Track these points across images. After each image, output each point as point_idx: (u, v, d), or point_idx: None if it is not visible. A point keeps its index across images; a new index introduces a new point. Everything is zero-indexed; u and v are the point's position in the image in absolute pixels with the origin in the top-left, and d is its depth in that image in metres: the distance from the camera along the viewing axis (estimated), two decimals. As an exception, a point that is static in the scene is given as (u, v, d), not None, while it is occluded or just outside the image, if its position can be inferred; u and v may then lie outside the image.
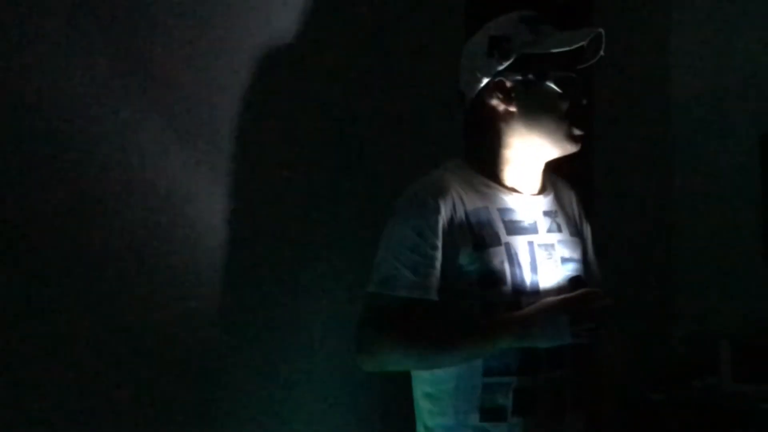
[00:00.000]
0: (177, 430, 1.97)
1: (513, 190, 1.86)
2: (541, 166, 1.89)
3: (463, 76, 1.89)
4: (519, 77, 1.82)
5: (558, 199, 1.92)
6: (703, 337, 2.91)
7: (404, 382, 1.96)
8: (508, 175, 1.87)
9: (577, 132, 1.82)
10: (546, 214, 1.88)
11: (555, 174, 2.01)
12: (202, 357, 2.01)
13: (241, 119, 2.08)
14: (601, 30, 1.81)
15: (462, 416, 1.80)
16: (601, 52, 1.83)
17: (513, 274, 1.78)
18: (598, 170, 2.81)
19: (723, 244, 3.02)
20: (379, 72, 2.32)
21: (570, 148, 1.84)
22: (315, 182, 2.20)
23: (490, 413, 1.78)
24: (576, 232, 1.93)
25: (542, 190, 1.90)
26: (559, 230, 1.88)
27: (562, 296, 1.75)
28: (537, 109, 1.83)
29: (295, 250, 2.16)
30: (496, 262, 1.78)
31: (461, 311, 1.80)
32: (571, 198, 1.98)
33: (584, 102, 1.82)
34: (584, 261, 1.93)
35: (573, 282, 1.80)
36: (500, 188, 1.85)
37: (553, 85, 1.80)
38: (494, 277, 1.77)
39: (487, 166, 1.87)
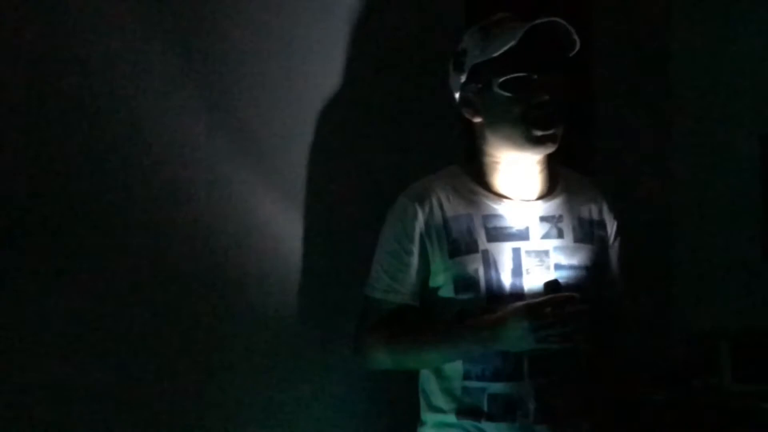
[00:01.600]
0: (176, 431, 1.97)
1: (503, 196, 1.86)
2: (533, 170, 1.86)
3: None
4: (474, 88, 1.83)
5: (569, 203, 1.88)
6: (703, 337, 2.90)
7: (404, 381, 1.97)
8: (499, 182, 1.87)
9: (537, 133, 1.78)
10: (543, 219, 1.85)
11: (582, 174, 1.98)
12: (202, 357, 2.01)
13: (255, 121, 2.09)
14: (545, 20, 1.75)
15: (442, 415, 1.86)
16: (574, 37, 1.77)
17: (488, 281, 1.79)
18: (598, 170, 2.81)
19: (723, 243, 3.02)
20: (379, 72, 2.32)
21: (533, 151, 1.82)
22: (315, 182, 2.20)
23: (468, 415, 1.81)
24: (585, 238, 1.88)
25: (543, 195, 1.89)
26: (559, 236, 1.85)
27: (526, 301, 1.74)
28: (494, 117, 1.82)
29: (294, 250, 2.16)
30: (470, 269, 1.79)
31: (437, 316, 1.83)
32: (593, 200, 1.93)
33: (543, 99, 1.77)
34: (594, 266, 1.89)
35: (548, 286, 1.76)
36: (489, 195, 1.85)
37: (500, 91, 1.78)
38: (466, 284, 1.79)
39: (477, 173, 1.88)
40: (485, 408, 1.79)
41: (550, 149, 1.83)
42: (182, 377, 1.97)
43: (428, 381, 1.89)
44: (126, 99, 1.87)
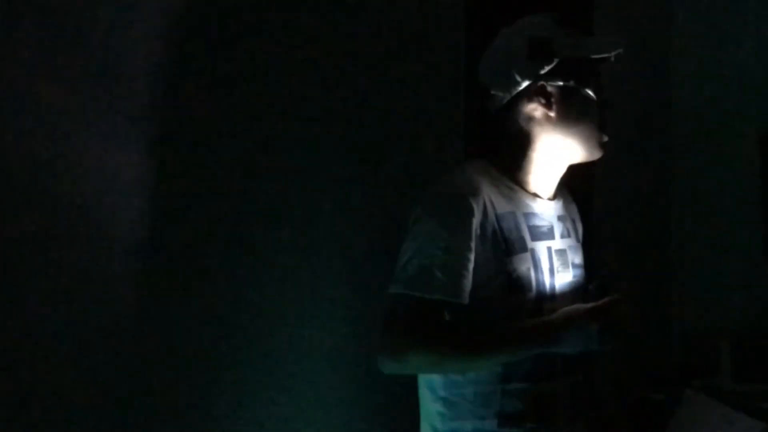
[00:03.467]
0: (177, 431, 1.97)
1: (534, 194, 1.84)
2: (563, 171, 1.87)
3: (493, 77, 1.82)
4: (560, 82, 1.77)
5: (564, 204, 1.92)
6: (703, 337, 2.90)
7: (404, 382, 1.97)
8: (532, 179, 1.83)
9: (605, 138, 1.81)
10: (559, 219, 1.87)
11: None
12: (202, 357, 2.01)
13: (242, 120, 2.08)
14: (620, 50, 1.79)
15: (479, 422, 1.77)
16: (612, 59, 1.79)
17: (537, 281, 1.76)
18: (598, 170, 2.81)
19: (723, 243, 3.02)
20: (379, 72, 2.32)
21: (598, 155, 1.84)
22: (315, 183, 2.20)
23: (508, 419, 1.76)
24: (578, 238, 1.95)
25: (556, 195, 1.89)
26: (569, 235, 1.88)
27: (591, 305, 1.74)
28: (576, 116, 1.79)
29: (294, 250, 2.16)
30: (523, 268, 1.75)
31: (486, 316, 1.76)
32: (571, 201, 1.98)
33: (611, 104, 1.81)
34: (586, 264, 1.94)
35: (599, 288, 1.80)
36: (524, 192, 1.82)
37: (591, 93, 1.78)
38: (521, 283, 1.74)
39: (511, 168, 1.83)
40: (530, 410, 1.76)
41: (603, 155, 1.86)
42: (183, 378, 1.97)
43: (452, 387, 1.80)
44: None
